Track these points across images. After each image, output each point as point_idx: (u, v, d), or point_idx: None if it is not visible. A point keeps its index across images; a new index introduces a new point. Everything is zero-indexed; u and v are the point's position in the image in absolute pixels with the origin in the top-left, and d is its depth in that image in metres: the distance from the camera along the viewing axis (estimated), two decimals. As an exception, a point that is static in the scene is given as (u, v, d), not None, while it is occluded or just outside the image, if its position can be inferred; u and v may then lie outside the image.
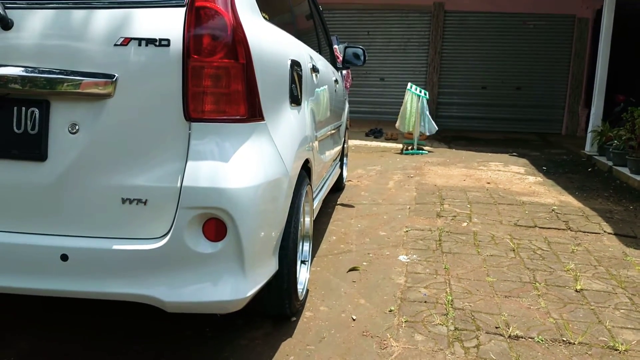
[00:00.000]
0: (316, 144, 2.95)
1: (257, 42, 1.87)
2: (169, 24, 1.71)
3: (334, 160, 4.36)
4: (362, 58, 4.70)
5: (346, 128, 5.34)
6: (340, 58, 5.02)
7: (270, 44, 2.08)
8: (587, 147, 8.10)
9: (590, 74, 10.33)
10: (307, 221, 2.74)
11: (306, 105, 2.64)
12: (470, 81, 11.88)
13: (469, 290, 2.83)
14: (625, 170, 6.27)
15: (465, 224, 4.14)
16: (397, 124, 8.25)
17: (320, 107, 3.14)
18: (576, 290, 2.87)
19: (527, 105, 11.75)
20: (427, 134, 8.19)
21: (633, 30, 11.31)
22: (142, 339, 2.27)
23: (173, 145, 1.73)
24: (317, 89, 2.99)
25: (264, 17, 2.09)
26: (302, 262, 2.69)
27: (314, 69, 2.86)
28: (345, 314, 2.55)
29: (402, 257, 3.34)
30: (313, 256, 3.30)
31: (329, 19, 11.53)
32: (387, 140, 9.44)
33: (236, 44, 1.74)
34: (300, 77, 2.46)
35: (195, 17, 1.70)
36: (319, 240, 3.65)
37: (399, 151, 8.16)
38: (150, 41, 1.69)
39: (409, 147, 8.12)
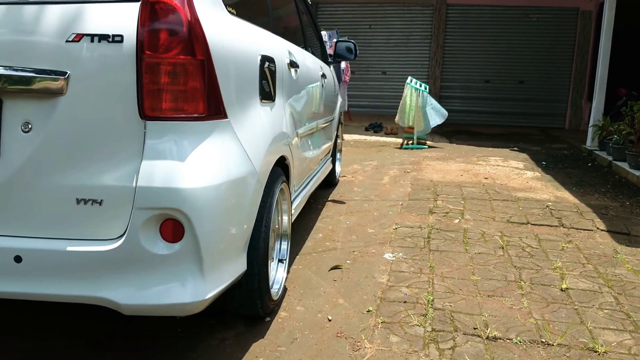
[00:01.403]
0: (297, 140, 2.90)
1: (218, 37, 1.82)
2: (123, 19, 1.66)
3: (324, 156, 4.31)
4: (353, 52, 4.67)
5: (340, 123, 5.28)
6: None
7: (235, 39, 2.02)
8: (588, 142, 7.99)
9: (593, 68, 10.16)
10: (284, 219, 2.69)
11: (282, 101, 2.59)
12: (473, 75, 11.78)
13: (451, 290, 2.78)
14: (624, 165, 6.17)
15: (457, 220, 4.08)
16: (396, 119, 8.19)
17: (302, 102, 3.08)
18: (561, 289, 2.81)
19: (529, 99, 11.63)
20: (423, 131, 8.12)
21: (638, 23, 11.13)
22: (112, 340, 2.23)
23: (128, 144, 1.69)
24: (297, 84, 2.93)
25: (229, 12, 2.04)
26: (280, 260, 2.65)
27: (292, 64, 2.81)
28: (321, 315, 2.50)
29: (388, 255, 3.29)
30: (295, 254, 3.25)
31: (331, 12, 11.47)
32: (387, 134, 9.36)
33: (193, 40, 1.69)
34: (272, 72, 2.40)
35: (150, 13, 1.65)
36: (304, 237, 3.60)
37: (399, 146, 8.09)
38: (103, 37, 1.65)
39: (409, 142, 8.05)
